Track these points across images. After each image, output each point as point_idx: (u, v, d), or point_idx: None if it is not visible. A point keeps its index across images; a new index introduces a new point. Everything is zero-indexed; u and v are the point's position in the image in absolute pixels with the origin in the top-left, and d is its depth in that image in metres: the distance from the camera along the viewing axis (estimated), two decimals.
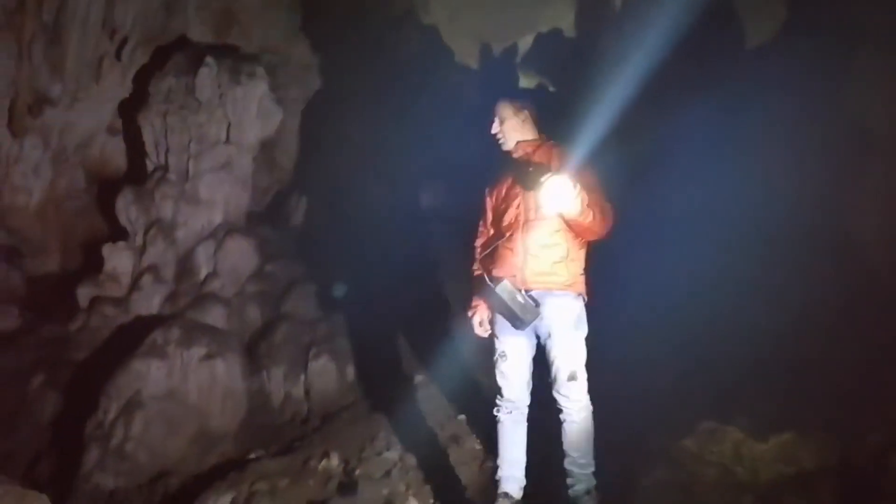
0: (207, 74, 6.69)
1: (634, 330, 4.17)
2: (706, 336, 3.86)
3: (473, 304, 2.97)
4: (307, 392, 5.22)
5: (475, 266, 3.02)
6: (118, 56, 7.19)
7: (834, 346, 3.42)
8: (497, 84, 10.70)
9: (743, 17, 6.80)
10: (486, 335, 2.94)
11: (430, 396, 4.38)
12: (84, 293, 6.13)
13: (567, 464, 2.82)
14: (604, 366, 3.03)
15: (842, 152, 4.41)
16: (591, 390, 2.81)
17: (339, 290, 5.76)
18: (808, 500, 2.59)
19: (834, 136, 4.53)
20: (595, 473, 2.80)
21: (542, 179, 2.63)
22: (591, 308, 2.88)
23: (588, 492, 2.78)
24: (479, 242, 3.06)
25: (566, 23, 10.94)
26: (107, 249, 6.32)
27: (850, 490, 2.57)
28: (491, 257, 2.91)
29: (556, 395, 2.81)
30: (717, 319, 3.94)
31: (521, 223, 2.82)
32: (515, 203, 2.86)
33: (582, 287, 2.86)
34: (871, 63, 4.32)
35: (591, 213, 2.69)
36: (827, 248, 4.10)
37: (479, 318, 2.94)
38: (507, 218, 2.88)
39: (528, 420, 2.94)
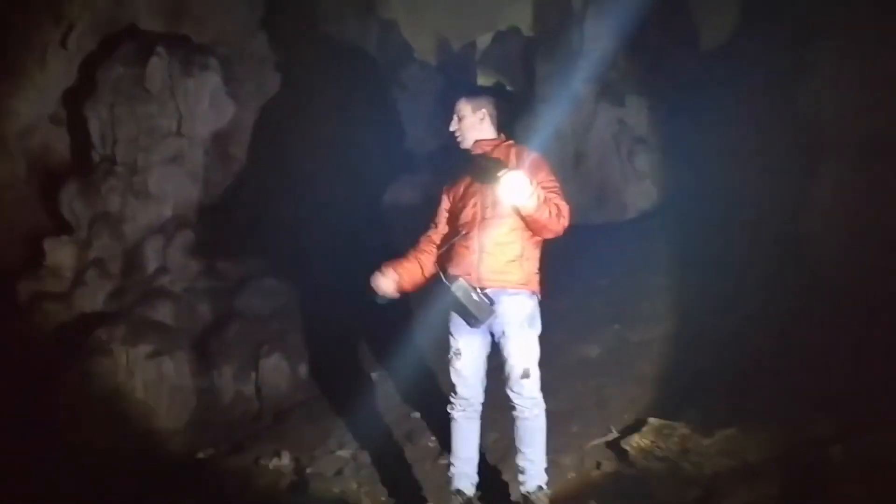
0: (158, 65, 6.51)
1: (587, 328, 4.22)
2: (655, 334, 3.93)
3: (380, 272, 2.95)
4: (258, 390, 5.13)
5: (411, 251, 3.01)
6: (64, 43, 6.93)
7: (777, 343, 3.52)
8: (456, 81, 10.72)
9: (698, 16, 6.97)
10: (382, 289, 2.91)
11: (383, 394, 4.36)
12: (24, 288, 5.90)
13: (519, 460, 2.84)
14: (556, 363, 3.05)
15: (793, 150, 4.53)
16: (543, 387, 2.82)
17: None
18: (751, 492, 2.65)
19: (786, 134, 4.65)
20: (547, 469, 2.82)
21: (499, 175, 2.64)
22: (544, 306, 2.90)
23: (540, 487, 2.80)
24: (425, 235, 3.04)
25: (525, 21, 11.01)
26: (48, 243, 6.09)
27: (793, 480, 2.65)
28: (447, 255, 2.91)
29: (509, 392, 2.82)
30: (666, 318, 4.01)
31: (477, 221, 2.83)
32: (472, 202, 2.86)
33: (536, 286, 2.87)
34: (823, 62, 4.45)
35: (548, 209, 2.71)
36: (776, 246, 4.21)
37: (385, 272, 2.93)
38: (464, 216, 2.88)
39: (482, 417, 2.94)
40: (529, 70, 8.75)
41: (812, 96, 4.46)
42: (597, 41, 7.27)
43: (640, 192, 6.45)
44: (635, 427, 3.07)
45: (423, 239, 3.02)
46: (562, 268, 3.45)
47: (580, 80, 7.21)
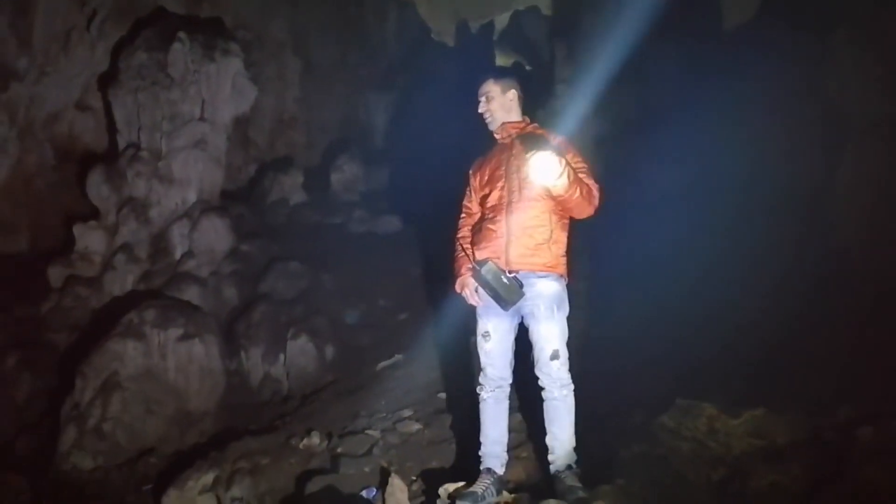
0: (180, 50, 6.56)
1: (614, 310, 4.23)
2: (683, 316, 3.94)
3: (459, 277, 2.97)
4: (287, 371, 5.22)
5: (459, 243, 3.02)
6: (88, 28, 7.01)
7: (804, 325, 3.52)
8: (474, 62, 10.66)
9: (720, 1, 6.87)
10: (478, 303, 2.92)
11: (410, 374, 4.42)
12: (56, 273, 6.04)
13: (548, 440, 2.87)
14: (585, 345, 3.08)
15: (817, 136, 4.50)
16: (572, 368, 2.85)
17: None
18: (778, 473, 2.68)
19: (809, 119, 4.61)
20: (576, 449, 2.86)
21: (528, 155, 2.65)
22: (572, 288, 2.92)
23: (569, 466, 2.83)
24: (463, 222, 3.06)
25: (543, 1, 10.91)
26: (78, 228, 6.22)
27: (820, 462, 2.67)
28: (476, 239, 2.93)
29: (538, 373, 2.86)
30: (694, 300, 4.01)
31: (505, 205, 2.84)
32: (500, 184, 2.86)
33: (564, 269, 2.88)
34: (846, 48, 4.40)
35: (578, 188, 2.71)
36: (800, 230, 4.20)
37: (469, 288, 2.93)
38: (492, 199, 2.89)
39: (510, 398, 2.98)
40: (549, 51, 8.69)
41: (837, 81, 4.41)
42: (617, 22, 7.19)
43: (663, 175, 6.40)
44: (663, 407, 3.09)
45: (463, 227, 3.03)
46: (584, 252, 3.47)
47: (602, 59, 7.14)
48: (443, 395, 4.03)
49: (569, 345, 2.87)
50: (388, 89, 9.59)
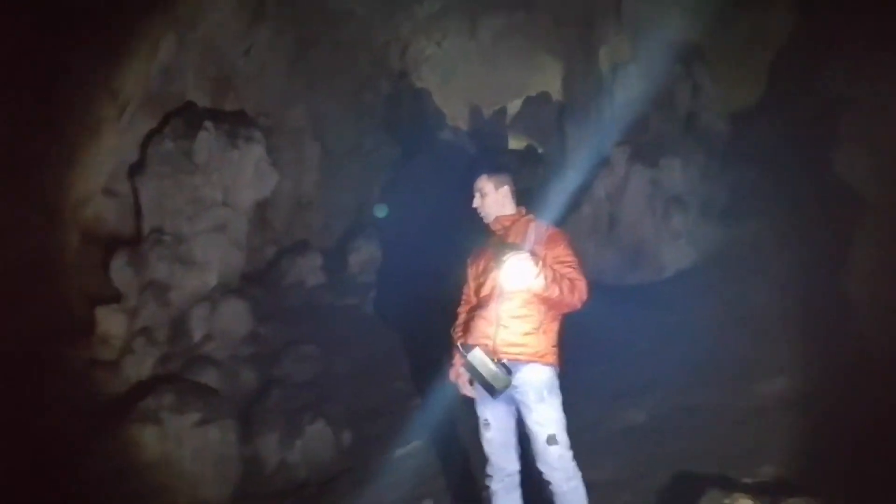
0: (205, 138, 6.82)
1: (631, 394, 4.18)
2: (702, 400, 3.88)
3: (455, 367, 2.99)
4: (303, 458, 5.14)
5: (454, 331, 3.05)
6: (118, 119, 7.31)
7: (832, 412, 3.46)
8: (487, 145, 10.96)
9: (726, 85, 7.09)
10: (471, 394, 2.94)
11: (428, 462, 4.33)
12: (75, 356, 6.06)
13: None
14: (601, 430, 3.03)
15: (832, 218, 4.53)
16: (589, 456, 2.78)
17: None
18: None
19: (824, 201, 4.66)
20: None
21: (504, 259, 2.70)
22: (586, 370, 2.89)
23: None
24: (460, 310, 3.11)
25: (554, 87, 11.28)
26: (100, 311, 6.28)
27: None
28: (466, 325, 2.96)
29: (540, 466, 2.78)
30: (712, 383, 3.96)
31: (495, 294, 2.87)
32: (492, 276, 2.91)
33: (553, 358, 2.85)
34: (856, 130, 4.50)
35: (557, 287, 2.73)
36: (819, 314, 4.18)
37: (462, 379, 2.94)
38: (485, 289, 2.93)
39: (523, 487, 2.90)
40: (561, 134, 8.94)
41: (847, 164, 4.49)
42: (627, 105, 7.44)
43: (677, 252, 6.45)
44: (691, 497, 3.01)
45: (460, 315, 3.08)
46: (588, 340, 3.44)
47: (611, 143, 7.34)
48: (462, 482, 3.94)
49: (585, 430, 2.83)
50: (405, 172, 9.84)
